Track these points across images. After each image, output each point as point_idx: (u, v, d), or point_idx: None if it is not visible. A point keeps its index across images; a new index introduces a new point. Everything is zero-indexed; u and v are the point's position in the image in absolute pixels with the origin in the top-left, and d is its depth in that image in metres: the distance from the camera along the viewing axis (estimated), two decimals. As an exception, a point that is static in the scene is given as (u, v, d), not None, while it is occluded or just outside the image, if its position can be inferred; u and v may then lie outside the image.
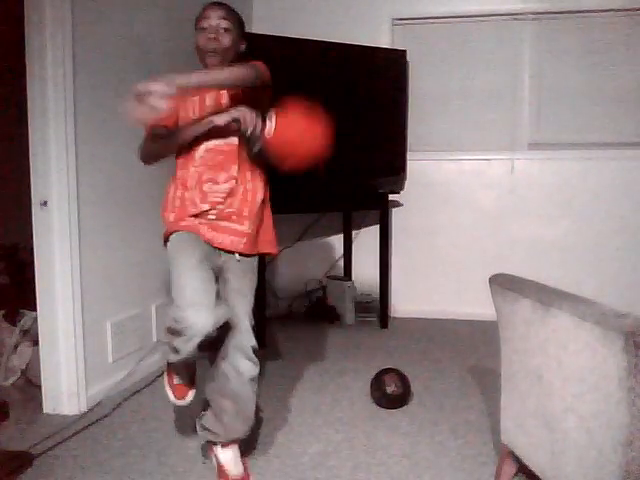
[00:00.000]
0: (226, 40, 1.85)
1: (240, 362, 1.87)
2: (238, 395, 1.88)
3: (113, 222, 2.79)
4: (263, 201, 1.94)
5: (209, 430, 1.93)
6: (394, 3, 4.16)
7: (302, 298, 4.33)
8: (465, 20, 4.10)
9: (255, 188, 1.90)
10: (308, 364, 3.17)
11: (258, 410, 2.10)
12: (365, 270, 4.24)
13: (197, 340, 1.69)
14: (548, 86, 4.04)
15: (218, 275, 1.89)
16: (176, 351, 1.77)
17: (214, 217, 1.86)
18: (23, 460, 2.05)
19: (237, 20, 1.91)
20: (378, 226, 3.92)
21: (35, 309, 2.56)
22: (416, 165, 4.15)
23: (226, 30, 1.85)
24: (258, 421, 2.21)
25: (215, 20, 1.84)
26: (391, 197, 3.99)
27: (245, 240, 1.88)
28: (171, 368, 1.99)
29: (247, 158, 1.87)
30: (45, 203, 2.45)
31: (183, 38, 3.31)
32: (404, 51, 3.98)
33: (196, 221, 1.85)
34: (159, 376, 2.97)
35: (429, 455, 2.14)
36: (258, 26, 4.21)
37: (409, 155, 4.09)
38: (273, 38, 3.53)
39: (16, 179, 3.06)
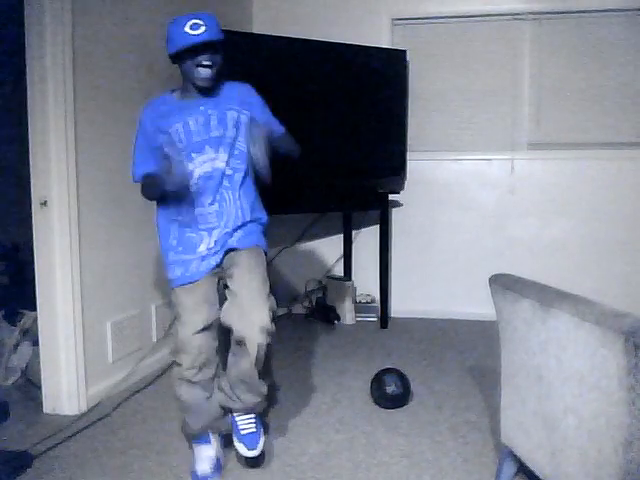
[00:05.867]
0: (218, 62, 1.86)
1: (237, 352, 1.91)
2: (245, 377, 1.93)
3: (113, 222, 2.79)
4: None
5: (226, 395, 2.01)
6: (394, 3, 4.16)
7: (302, 298, 4.33)
8: (465, 20, 4.10)
9: (244, 208, 1.96)
10: (308, 364, 3.17)
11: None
12: (365, 270, 4.24)
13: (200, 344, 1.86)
14: (548, 86, 4.04)
15: (224, 280, 1.95)
16: (190, 383, 1.94)
17: (213, 247, 1.92)
18: (23, 460, 2.05)
19: (220, 32, 1.86)
20: (378, 226, 3.92)
21: (35, 309, 2.56)
22: (416, 165, 4.15)
23: (216, 59, 1.85)
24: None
25: (208, 55, 1.82)
26: (391, 197, 3.99)
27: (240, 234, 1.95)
28: (191, 434, 2.02)
29: (231, 181, 1.93)
30: (45, 203, 2.45)
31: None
32: (404, 51, 3.98)
33: (197, 262, 1.92)
34: (159, 376, 2.98)
35: (429, 455, 2.14)
36: (258, 26, 4.22)
37: (409, 155, 4.09)
38: (273, 38, 3.53)
39: (16, 179, 3.06)
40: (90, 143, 2.61)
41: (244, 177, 1.95)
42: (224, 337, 1.96)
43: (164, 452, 2.17)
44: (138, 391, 2.79)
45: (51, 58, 2.39)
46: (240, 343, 1.86)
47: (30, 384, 2.81)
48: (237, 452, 2.01)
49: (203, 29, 1.77)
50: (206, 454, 1.98)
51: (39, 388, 2.58)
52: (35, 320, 2.63)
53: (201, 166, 1.88)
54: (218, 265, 1.93)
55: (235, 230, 1.93)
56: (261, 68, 3.43)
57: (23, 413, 2.54)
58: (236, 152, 1.92)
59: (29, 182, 2.48)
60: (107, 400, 2.63)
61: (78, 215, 2.53)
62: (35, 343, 2.73)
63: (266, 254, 2.01)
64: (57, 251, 2.47)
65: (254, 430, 2.00)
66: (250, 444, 1.97)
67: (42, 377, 2.55)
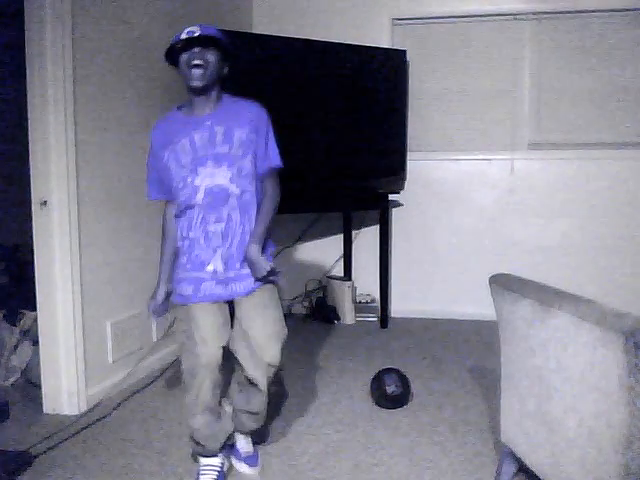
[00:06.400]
0: (212, 63, 1.81)
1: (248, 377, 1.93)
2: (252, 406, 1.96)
3: (113, 222, 2.79)
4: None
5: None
6: (394, 3, 4.16)
7: (302, 298, 4.33)
8: (465, 20, 4.11)
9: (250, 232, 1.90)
10: (308, 364, 3.17)
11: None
12: (365, 270, 4.24)
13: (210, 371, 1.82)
14: (548, 86, 4.04)
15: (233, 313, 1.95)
16: (196, 398, 1.87)
17: (222, 272, 1.86)
18: (23, 460, 2.04)
19: (214, 32, 1.83)
20: (378, 226, 3.92)
21: (35, 309, 2.56)
22: (416, 165, 4.15)
23: (208, 59, 1.81)
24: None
25: (200, 53, 1.80)
26: (391, 197, 3.99)
27: (254, 279, 1.90)
28: (198, 450, 1.97)
29: (240, 202, 1.87)
30: (45, 203, 2.45)
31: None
32: (404, 51, 3.98)
33: (206, 282, 1.87)
34: (159, 376, 2.98)
35: (429, 455, 2.14)
36: (258, 26, 4.22)
37: (409, 155, 4.09)
38: (273, 38, 3.53)
39: (16, 179, 3.06)
40: (90, 143, 2.61)
41: (252, 198, 1.90)
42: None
43: (164, 452, 2.17)
44: (138, 391, 2.78)
45: (51, 58, 2.39)
46: (251, 382, 1.90)
47: (30, 384, 2.82)
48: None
49: (197, 34, 1.77)
50: (212, 467, 1.96)
51: (39, 388, 2.58)
52: (35, 320, 2.63)
53: (207, 181, 1.83)
54: (228, 302, 1.92)
55: (242, 265, 1.87)
56: (261, 68, 3.43)
57: (23, 413, 2.53)
58: (244, 172, 1.87)
59: (29, 182, 2.48)
60: (107, 400, 2.63)
61: (78, 215, 2.53)
62: (35, 343, 2.73)
63: (279, 289, 1.98)
64: (57, 251, 2.47)
65: (252, 452, 2.06)
66: (252, 463, 2.04)
67: (42, 377, 2.55)
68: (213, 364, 1.83)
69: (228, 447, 2.04)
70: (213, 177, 1.84)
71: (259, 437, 2.18)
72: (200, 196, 1.84)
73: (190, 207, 1.85)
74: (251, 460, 2.05)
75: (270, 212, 1.91)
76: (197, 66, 1.78)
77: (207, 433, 1.91)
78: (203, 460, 1.95)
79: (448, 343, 3.57)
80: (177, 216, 1.91)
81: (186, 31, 1.78)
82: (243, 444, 2.06)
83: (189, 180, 1.84)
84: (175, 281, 1.93)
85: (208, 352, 1.82)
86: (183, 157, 1.84)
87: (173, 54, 1.82)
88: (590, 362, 1.35)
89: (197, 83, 1.80)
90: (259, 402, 1.93)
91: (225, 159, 1.84)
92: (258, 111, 1.91)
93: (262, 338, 1.87)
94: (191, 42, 1.78)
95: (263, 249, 1.88)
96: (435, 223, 4.22)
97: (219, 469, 1.94)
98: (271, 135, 1.93)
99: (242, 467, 2.04)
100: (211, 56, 1.80)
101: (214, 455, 1.95)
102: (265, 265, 1.83)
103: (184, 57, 1.79)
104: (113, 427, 2.39)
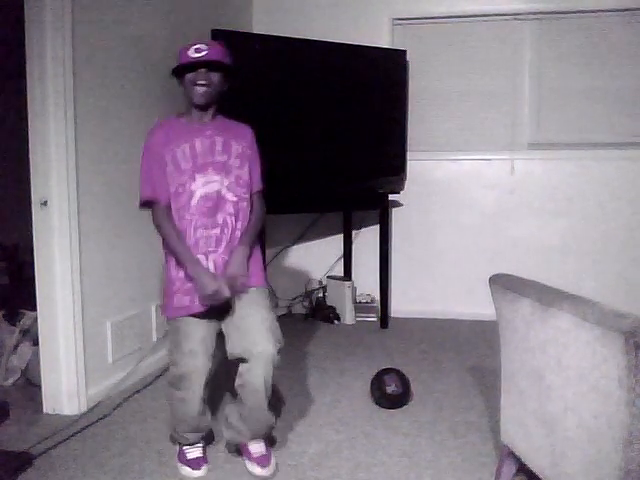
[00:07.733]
0: (215, 83, 1.90)
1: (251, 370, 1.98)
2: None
3: (113, 222, 2.79)
4: None
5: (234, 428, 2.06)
6: (394, 3, 4.16)
7: (302, 298, 4.33)
8: (465, 20, 4.10)
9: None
10: (308, 364, 3.17)
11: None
12: (365, 270, 4.24)
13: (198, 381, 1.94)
14: (548, 86, 4.04)
15: (221, 321, 1.98)
16: (183, 400, 1.99)
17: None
18: (23, 460, 2.04)
19: (221, 56, 1.90)
20: (378, 226, 3.92)
21: (35, 309, 2.56)
22: (416, 165, 4.15)
23: (212, 79, 1.90)
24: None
25: (205, 74, 1.88)
26: (391, 197, 3.99)
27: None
28: (182, 441, 2.08)
29: (235, 208, 1.95)
30: (45, 203, 2.45)
31: (182, 38, 3.32)
32: (404, 51, 3.98)
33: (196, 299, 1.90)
34: (159, 376, 2.98)
35: (429, 455, 2.14)
36: (258, 26, 4.22)
37: (409, 155, 4.09)
38: (273, 38, 3.53)
39: (16, 179, 3.06)
40: (90, 143, 2.61)
41: (248, 207, 1.99)
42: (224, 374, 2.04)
43: (164, 452, 2.17)
44: (138, 391, 2.78)
45: (51, 58, 2.39)
46: (245, 359, 1.93)
47: (30, 384, 2.81)
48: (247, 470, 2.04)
49: (204, 53, 1.84)
50: (197, 446, 2.10)
51: (39, 388, 2.58)
52: (35, 320, 2.63)
53: (203, 187, 1.90)
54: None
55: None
56: (260, 68, 3.43)
57: (23, 413, 2.53)
58: (241, 181, 1.96)
59: (29, 182, 2.48)
60: (107, 400, 2.63)
61: (78, 215, 2.53)
62: (35, 343, 2.73)
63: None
64: (57, 251, 2.47)
65: (265, 453, 2.04)
66: (263, 463, 2.01)
67: (42, 377, 2.55)
68: (203, 376, 1.94)
69: (239, 450, 2.08)
70: (211, 184, 1.91)
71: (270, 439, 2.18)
72: (194, 202, 1.90)
73: (185, 213, 1.90)
74: (262, 460, 2.02)
75: (258, 225, 2.01)
76: (202, 85, 1.87)
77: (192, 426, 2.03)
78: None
79: (448, 343, 3.57)
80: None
81: (194, 48, 1.85)
82: (254, 445, 2.04)
83: (187, 186, 1.89)
84: (169, 292, 1.96)
85: (197, 365, 1.92)
86: (183, 162, 1.90)
87: (178, 68, 1.89)
88: (590, 362, 1.35)
89: (201, 100, 1.90)
90: (260, 384, 1.95)
91: (223, 168, 1.93)
92: (252, 134, 2.04)
93: (255, 325, 1.93)
94: (198, 63, 1.85)
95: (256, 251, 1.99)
96: (435, 223, 4.22)
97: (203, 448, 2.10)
98: (258, 157, 2.06)
99: (254, 468, 2.02)
100: (215, 76, 1.89)
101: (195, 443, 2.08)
102: (243, 274, 1.90)
103: (189, 76, 1.88)
104: (113, 427, 2.39)
